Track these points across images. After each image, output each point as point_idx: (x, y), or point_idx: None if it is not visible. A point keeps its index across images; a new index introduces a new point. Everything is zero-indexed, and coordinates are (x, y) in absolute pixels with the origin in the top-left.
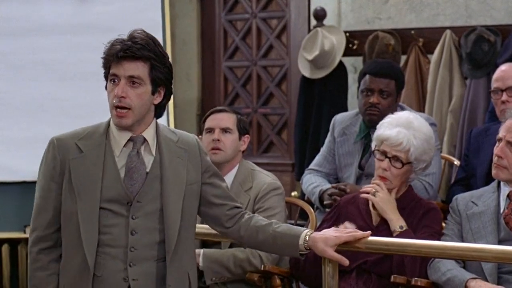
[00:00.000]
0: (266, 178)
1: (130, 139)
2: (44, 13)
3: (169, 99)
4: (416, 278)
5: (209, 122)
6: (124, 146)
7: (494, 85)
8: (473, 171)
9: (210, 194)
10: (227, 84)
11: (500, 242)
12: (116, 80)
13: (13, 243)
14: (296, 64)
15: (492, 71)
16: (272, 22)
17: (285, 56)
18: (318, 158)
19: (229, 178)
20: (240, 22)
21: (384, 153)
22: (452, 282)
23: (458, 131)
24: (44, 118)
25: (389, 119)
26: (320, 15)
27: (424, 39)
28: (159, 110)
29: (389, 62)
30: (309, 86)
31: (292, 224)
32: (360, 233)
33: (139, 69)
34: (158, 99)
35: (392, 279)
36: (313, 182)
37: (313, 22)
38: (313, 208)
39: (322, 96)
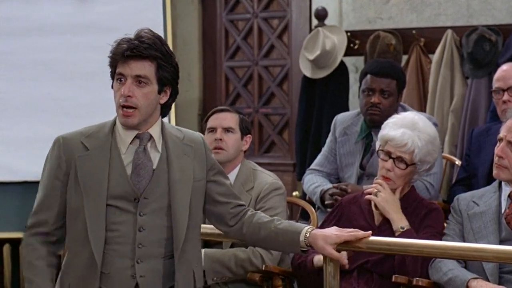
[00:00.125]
0: (267, 178)
1: (136, 136)
2: (44, 13)
3: (175, 99)
4: (417, 278)
5: (212, 122)
6: (131, 143)
7: (495, 84)
8: (474, 171)
9: (215, 192)
10: (228, 84)
11: (501, 242)
12: (122, 79)
13: (14, 243)
14: (298, 64)
15: (493, 71)
16: (273, 22)
17: (287, 56)
18: (319, 158)
19: (230, 177)
20: (242, 22)
21: (388, 154)
22: (453, 282)
23: (459, 131)
24: (44, 118)
25: (394, 119)
26: (322, 15)
27: (425, 39)
28: (165, 109)
29: (390, 62)
30: (310, 86)
31: None
32: (361, 233)
33: (145, 68)
34: (164, 99)
35: (393, 279)
36: (314, 182)
37: (315, 22)
38: (314, 208)
39: (323, 96)
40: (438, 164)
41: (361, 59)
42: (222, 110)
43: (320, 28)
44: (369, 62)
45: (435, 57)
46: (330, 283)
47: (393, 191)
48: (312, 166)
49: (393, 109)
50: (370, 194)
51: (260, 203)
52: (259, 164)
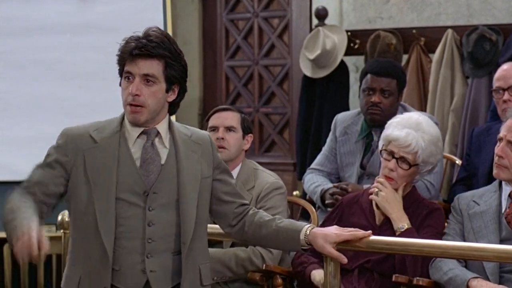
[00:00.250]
0: (268, 177)
1: (143, 132)
2: (45, 13)
3: (183, 97)
4: (417, 278)
5: (213, 121)
6: (138, 137)
7: (495, 84)
8: (474, 171)
9: (220, 191)
10: (229, 84)
11: (501, 241)
12: (130, 77)
13: None
14: (298, 63)
15: (493, 70)
16: (273, 21)
17: (287, 56)
18: (319, 157)
19: None
20: (242, 22)
21: (391, 153)
22: (453, 281)
23: (459, 130)
24: (45, 118)
25: (397, 119)
26: (322, 15)
27: (425, 38)
28: (173, 107)
29: (391, 62)
30: (311, 85)
31: None
32: (361, 232)
33: (153, 67)
34: (172, 97)
35: (393, 279)
36: (314, 181)
37: (315, 21)
38: (314, 207)
39: (324, 95)
40: (438, 163)
41: (361, 58)
42: (224, 109)
43: (320, 28)
44: (370, 61)
45: (435, 56)
46: (331, 282)
47: (395, 189)
48: (313, 165)
49: (394, 109)
50: (372, 194)
51: (261, 203)
52: (260, 163)
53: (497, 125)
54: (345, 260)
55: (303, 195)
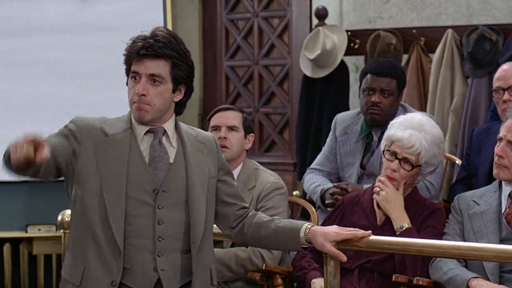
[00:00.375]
0: (269, 177)
1: (150, 131)
2: (45, 12)
3: (189, 97)
4: (418, 277)
5: (216, 120)
6: (145, 135)
7: (495, 84)
8: (474, 171)
9: (223, 193)
10: (229, 84)
11: (501, 241)
12: (137, 77)
13: (15, 243)
14: (298, 63)
15: (493, 70)
16: (273, 21)
17: (287, 56)
18: (319, 157)
19: None
20: (242, 22)
21: (394, 154)
22: (453, 281)
23: (459, 130)
24: (45, 118)
25: (400, 119)
26: (322, 14)
27: (425, 38)
28: (180, 107)
29: (391, 61)
30: (311, 85)
31: None
32: (361, 232)
33: (160, 67)
34: (178, 97)
35: (393, 279)
36: (314, 181)
37: (315, 21)
38: (314, 207)
39: (324, 95)
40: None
41: (361, 58)
42: (226, 109)
43: (320, 28)
44: (370, 61)
45: (435, 56)
46: (331, 282)
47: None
48: (313, 165)
49: (394, 109)
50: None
51: (261, 202)
52: (259, 163)
53: (497, 125)
54: (344, 258)
55: (303, 195)
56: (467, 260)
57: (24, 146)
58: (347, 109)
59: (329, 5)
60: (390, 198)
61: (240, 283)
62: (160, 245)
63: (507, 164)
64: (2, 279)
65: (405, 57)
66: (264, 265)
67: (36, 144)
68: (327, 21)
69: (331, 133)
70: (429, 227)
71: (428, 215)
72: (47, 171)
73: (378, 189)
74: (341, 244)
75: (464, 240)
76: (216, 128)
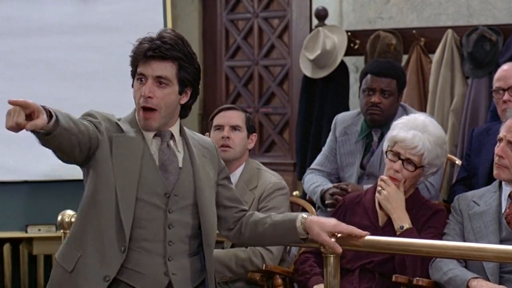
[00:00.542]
0: (271, 177)
1: (156, 134)
2: (45, 13)
3: (195, 99)
4: (417, 278)
5: (219, 120)
6: (153, 138)
7: (495, 84)
8: (474, 171)
9: (224, 197)
10: (229, 84)
11: (501, 241)
12: (143, 79)
13: (15, 243)
14: (298, 63)
15: (493, 71)
16: (273, 21)
17: (287, 56)
18: (319, 157)
19: (235, 176)
20: (242, 22)
21: (397, 155)
22: (453, 281)
23: (459, 130)
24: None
25: (403, 120)
26: (322, 15)
27: (425, 39)
28: (185, 110)
29: (391, 62)
30: (311, 85)
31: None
32: (358, 230)
33: (167, 69)
34: (184, 99)
35: (393, 279)
36: (314, 181)
37: (315, 21)
38: (314, 207)
39: (324, 95)
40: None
41: (361, 59)
42: (229, 108)
43: (320, 28)
44: (370, 62)
45: (435, 57)
46: (331, 282)
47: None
48: (313, 165)
49: (394, 109)
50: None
51: (263, 203)
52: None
53: (497, 126)
54: (340, 250)
55: (303, 195)
56: (467, 260)
57: (16, 112)
58: (347, 109)
59: (329, 5)
60: (391, 198)
61: (240, 284)
62: (171, 249)
63: (507, 164)
64: (2, 279)
65: (405, 57)
66: (264, 265)
67: (31, 112)
68: (327, 21)
69: (331, 133)
70: (430, 228)
71: (430, 216)
72: (72, 144)
73: (379, 188)
74: (341, 243)
75: (464, 241)
76: (219, 128)
